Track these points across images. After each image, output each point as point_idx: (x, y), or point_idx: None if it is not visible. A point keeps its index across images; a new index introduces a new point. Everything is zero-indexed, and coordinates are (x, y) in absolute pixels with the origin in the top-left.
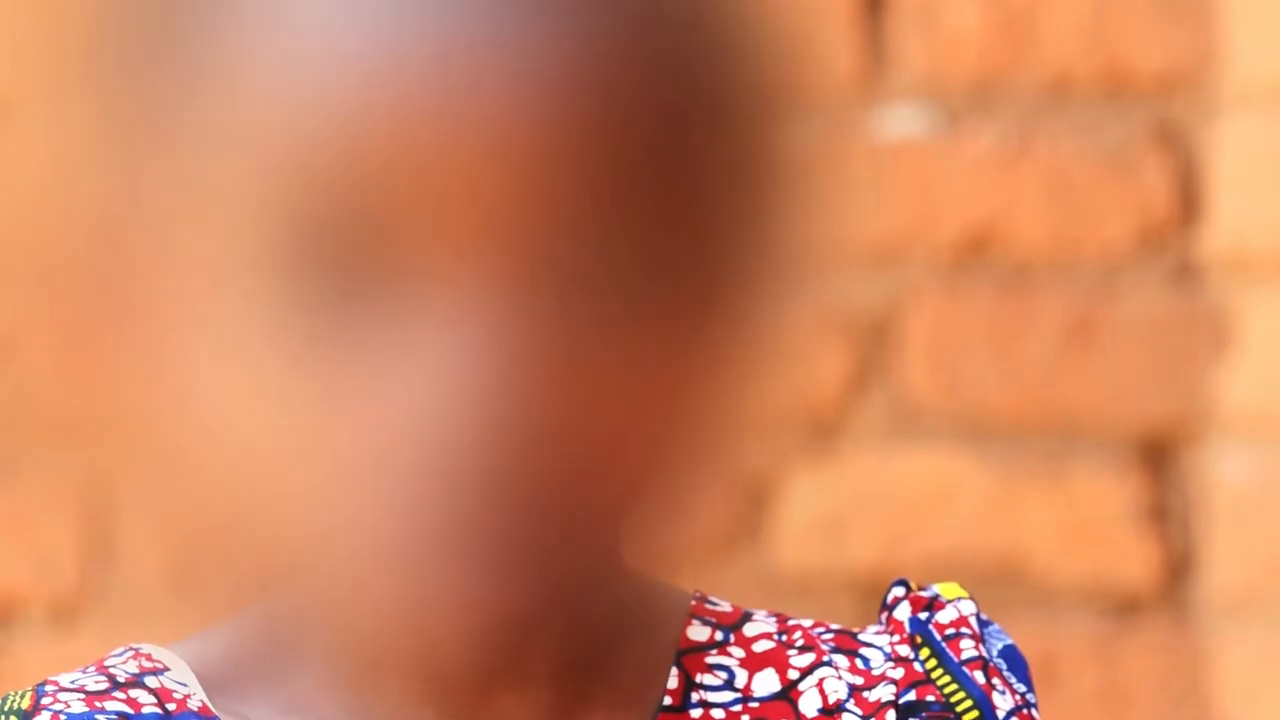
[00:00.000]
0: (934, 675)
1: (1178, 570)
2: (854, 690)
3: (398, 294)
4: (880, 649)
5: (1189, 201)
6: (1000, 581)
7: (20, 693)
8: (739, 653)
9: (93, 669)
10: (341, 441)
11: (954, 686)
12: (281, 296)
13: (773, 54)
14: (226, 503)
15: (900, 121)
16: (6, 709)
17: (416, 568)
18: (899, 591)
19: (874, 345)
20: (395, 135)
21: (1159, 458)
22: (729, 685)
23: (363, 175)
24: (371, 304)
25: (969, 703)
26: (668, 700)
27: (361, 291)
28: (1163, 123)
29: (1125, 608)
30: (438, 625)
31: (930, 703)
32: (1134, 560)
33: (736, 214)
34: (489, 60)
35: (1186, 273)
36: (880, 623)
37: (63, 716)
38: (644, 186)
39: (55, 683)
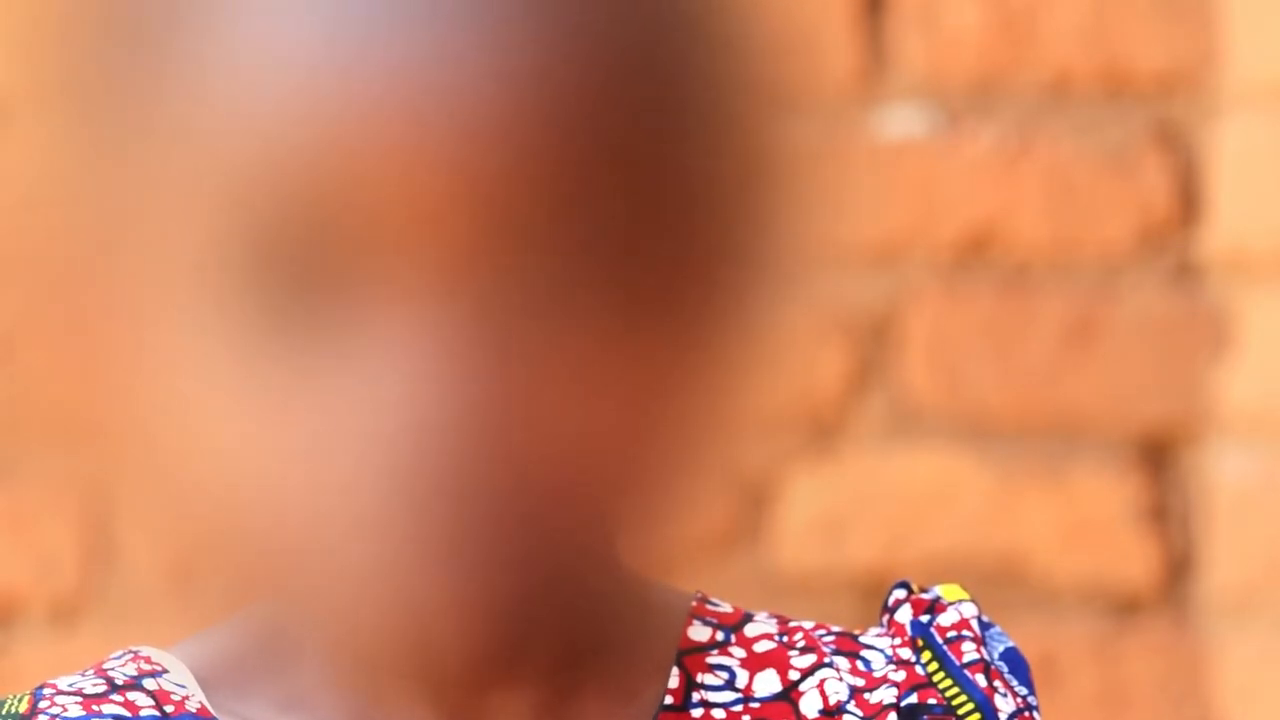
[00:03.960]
0: (935, 678)
1: (1178, 570)
2: (855, 692)
3: (356, 301)
4: (881, 651)
5: (1189, 201)
6: (1000, 581)
7: (18, 696)
8: (740, 653)
9: (91, 672)
10: (305, 446)
11: (955, 689)
12: (241, 303)
13: (760, 52)
14: (208, 507)
15: (900, 121)
16: (4, 713)
17: (393, 569)
18: (900, 594)
19: (874, 345)
20: (354, 145)
21: (1159, 458)
22: (730, 685)
23: (321, 184)
24: (330, 311)
25: (970, 705)
26: (669, 699)
27: (320, 298)
28: (1163, 123)
29: (1125, 608)
30: (423, 624)
31: (932, 705)
32: (1134, 560)
33: (719, 213)
34: (448, 73)
35: (1186, 273)
36: (882, 625)
37: None
38: (614, 191)
39: (53, 686)
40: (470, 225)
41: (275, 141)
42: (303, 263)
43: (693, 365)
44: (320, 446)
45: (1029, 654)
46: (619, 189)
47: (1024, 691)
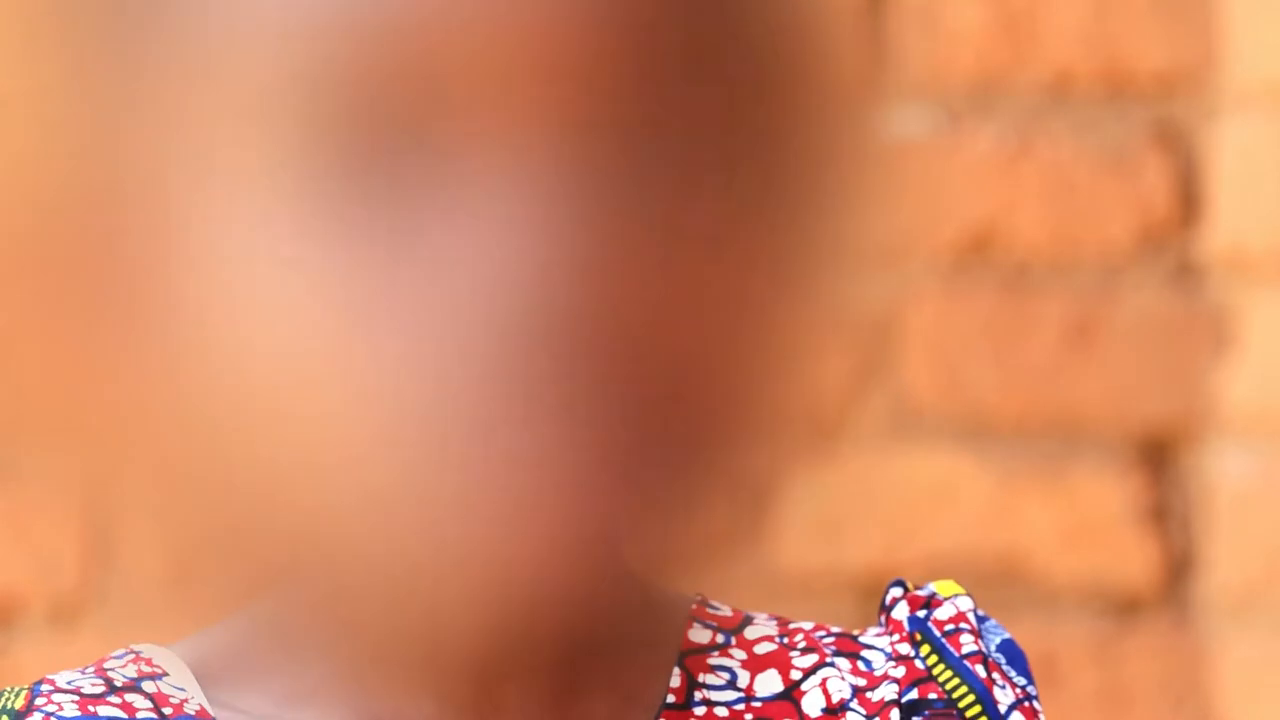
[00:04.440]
0: (935, 671)
1: (1178, 570)
2: (857, 691)
3: (438, 162)
4: (881, 650)
5: (1189, 201)
6: (1000, 581)
7: (15, 691)
8: (741, 654)
9: (91, 670)
10: (389, 332)
11: (956, 681)
12: (314, 184)
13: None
14: (251, 465)
15: (900, 121)
16: (0, 708)
17: (475, 473)
18: (897, 592)
19: (874, 345)
20: (434, 6)
21: (1159, 458)
22: (731, 685)
23: (408, 37)
24: (412, 175)
25: (971, 697)
26: (671, 698)
27: (401, 162)
28: (1163, 123)
29: (1125, 608)
30: (495, 558)
31: (933, 700)
32: (1134, 560)
33: (797, 119)
34: None
35: (1186, 273)
36: (880, 624)
37: (55, 719)
38: (707, 68)
39: (51, 682)
40: (553, 81)
41: (348, 3)
42: (380, 128)
43: (764, 265)
44: (402, 328)
45: (1029, 654)
46: (712, 67)
47: (1022, 682)
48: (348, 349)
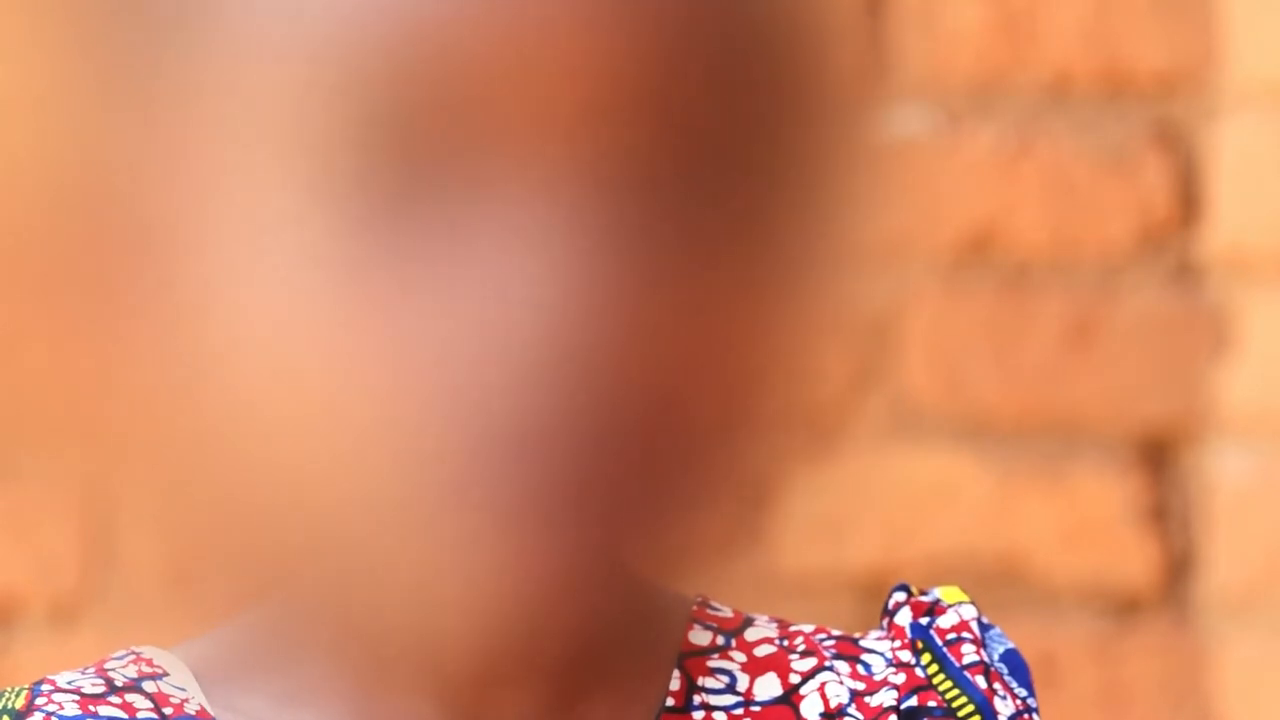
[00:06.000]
0: (935, 680)
1: (1178, 570)
2: (855, 695)
3: (472, 192)
4: (882, 655)
5: (1189, 201)
6: (1000, 581)
7: (15, 690)
8: (740, 657)
9: (92, 670)
10: (402, 353)
11: (955, 691)
12: (336, 197)
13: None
14: (256, 470)
15: (900, 121)
16: (1, 707)
17: (480, 496)
18: (900, 597)
19: (874, 345)
20: (477, 14)
21: (1159, 458)
22: (730, 689)
23: (448, 59)
24: (434, 204)
25: (971, 707)
26: (670, 701)
27: (424, 191)
28: (1163, 123)
29: (1125, 608)
30: (487, 579)
31: (932, 708)
32: (1134, 560)
33: (803, 126)
34: None
35: (1186, 273)
36: (881, 628)
37: (56, 718)
38: (733, 93)
39: (52, 682)
40: (592, 111)
41: (383, 10)
42: (407, 148)
43: (772, 300)
44: (415, 348)
45: (1028, 654)
46: (719, 93)
47: (1024, 694)
48: (357, 360)
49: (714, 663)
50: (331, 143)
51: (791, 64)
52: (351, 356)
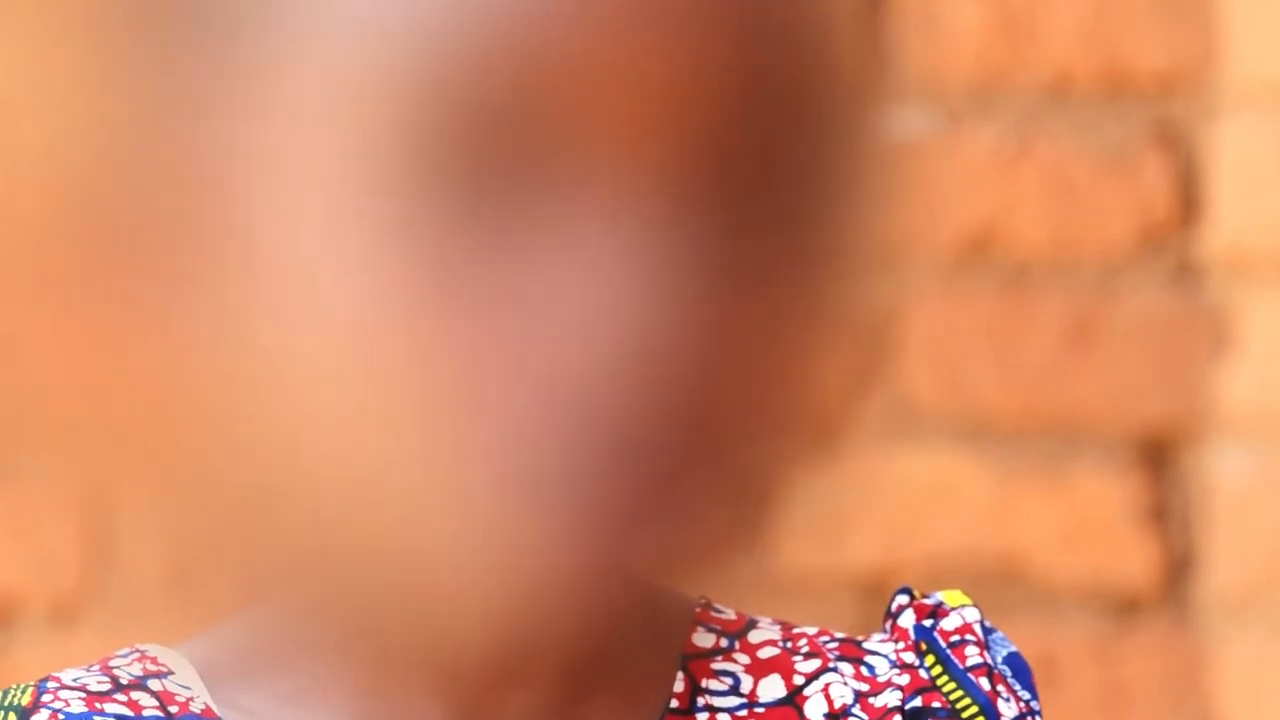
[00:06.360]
0: (939, 682)
1: (1178, 570)
2: (860, 696)
3: (544, 203)
4: (885, 657)
5: (1189, 201)
6: (1000, 581)
7: (21, 687)
8: (744, 659)
9: (97, 668)
10: (465, 368)
11: (959, 693)
12: (398, 198)
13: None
14: (270, 470)
15: (900, 121)
16: (6, 703)
17: (512, 498)
18: (903, 599)
19: (874, 345)
20: (566, 22)
21: (1159, 458)
22: (734, 691)
23: (518, 69)
24: (512, 211)
25: (975, 709)
26: (674, 703)
27: (501, 196)
28: (1163, 123)
29: (1125, 608)
30: (532, 578)
31: (936, 709)
32: (1134, 560)
33: (819, 133)
34: None
35: (1186, 273)
36: (885, 631)
37: (61, 716)
38: (785, 109)
39: (58, 679)
40: (673, 129)
41: (456, 19)
42: (478, 161)
43: (784, 280)
44: (479, 364)
45: (1028, 654)
46: (776, 110)
47: (1026, 696)
48: (396, 366)
49: (718, 664)
50: (404, 146)
51: (824, 72)
52: (387, 360)
